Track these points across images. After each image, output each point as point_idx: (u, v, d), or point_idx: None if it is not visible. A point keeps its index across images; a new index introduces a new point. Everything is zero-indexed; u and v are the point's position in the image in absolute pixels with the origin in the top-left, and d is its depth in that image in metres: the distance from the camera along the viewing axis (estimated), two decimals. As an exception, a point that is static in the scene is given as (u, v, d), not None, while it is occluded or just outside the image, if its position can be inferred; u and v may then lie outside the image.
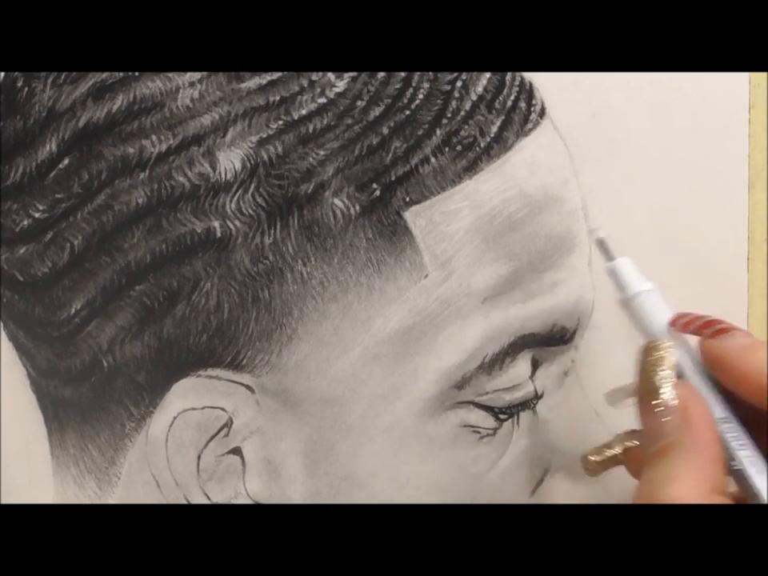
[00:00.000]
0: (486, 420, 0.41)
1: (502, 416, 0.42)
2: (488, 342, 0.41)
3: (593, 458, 0.38)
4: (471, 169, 0.40)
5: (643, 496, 0.33)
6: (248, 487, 0.41)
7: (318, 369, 0.40)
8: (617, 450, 0.38)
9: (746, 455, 0.34)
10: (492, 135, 0.41)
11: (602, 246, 0.39)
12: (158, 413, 0.41)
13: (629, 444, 0.38)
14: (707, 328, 0.36)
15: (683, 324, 0.37)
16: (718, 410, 0.35)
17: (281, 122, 0.39)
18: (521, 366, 0.41)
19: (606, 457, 0.38)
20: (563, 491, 0.43)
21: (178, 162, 0.39)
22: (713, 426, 0.34)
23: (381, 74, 0.40)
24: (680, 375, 0.35)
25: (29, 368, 0.44)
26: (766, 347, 0.35)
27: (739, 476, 0.34)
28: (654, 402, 0.35)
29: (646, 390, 0.35)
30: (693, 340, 0.37)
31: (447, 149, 0.40)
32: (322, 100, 0.39)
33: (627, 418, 0.38)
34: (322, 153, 0.39)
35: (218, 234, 0.39)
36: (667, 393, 0.34)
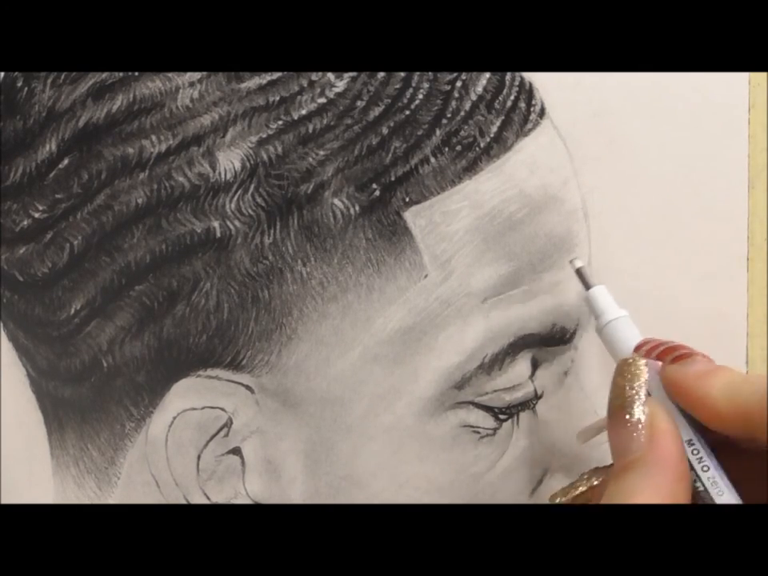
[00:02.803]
0: (485, 420, 0.41)
1: (501, 416, 0.42)
2: (488, 342, 0.41)
3: (559, 500, 0.38)
4: (471, 169, 0.40)
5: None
6: (248, 487, 0.41)
7: (317, 369, 0.40)
8: (582, 489, 0.39)
9: (709, 477, 0.34)
10: (492, 135, 0.41)
11: (580, 275, 0.40)
12: (158, 413, 0.41)
13: (594, 482, 0.38)
14: (668, 354, 0.36)
15: (647, 350, 0.37)
16: (684, 432, 0.35)
17: (280, 122, 0.39)
18: (521, 366, 0.41)
19: (572, 496, 0.38)
20: (563, 491, 0.43)
21: (178, 162, 0.39)
22: (679, 445, 0.34)
23: (380, 74, 0.40)
24: (650, 394, 0.36)
25: (29, 368, 0.44)
26: (725, 373, 0.35)
27: (702, 498, 0.34)
28: (624, 418, 0.35)
29: (616, 406, 0.36)
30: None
31: (447, 149, 0.40)
32: (322, 100, 0.39)
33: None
34: (321, 153, 0.39)
35: (218, 234, 0.39)
36: (637, 409, 0.35)
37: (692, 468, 0.35)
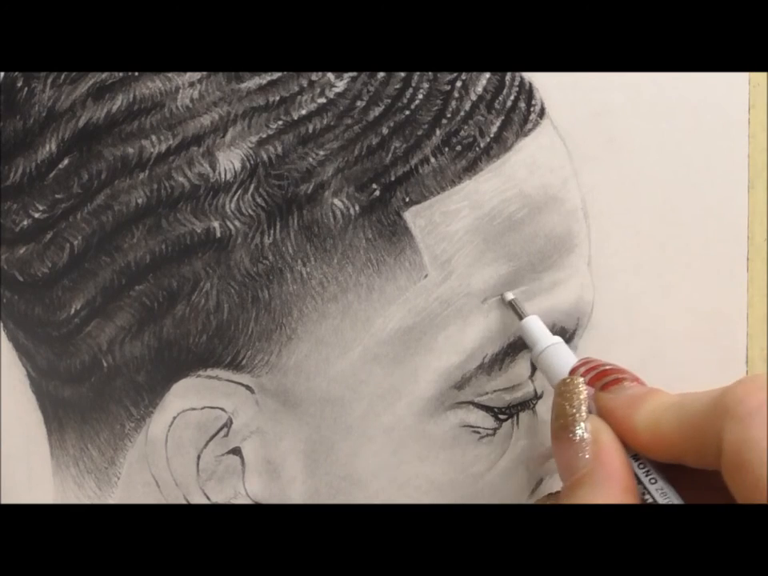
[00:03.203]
0: (485, 420, 0.41)
1: (501, 416, 0.42)
2: (488, 342, 0.41)
3: None
4: (471, 169, 0.40)
5: None
6: (248, 487, 0.41)
7: (317, 369, 0.40)
8: None
9: (657, 488, 0.35)
10: (492, 135, 0.41)
11: (513, 306, 0.41)
12: (158, 413, 0.41)
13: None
14: (599, 380, 0.37)
15: (582, 373, 0.37)
16: (628, 448, 0.35)
17: (280, 122, 0.39)
18: (520, 366, 0.41)
19: None
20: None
21: (178, 162, 0.39)
22: (624, 459, 0.34)
23: (380, 74, 0.40)
24: (591, 411, 0.36)
25: (29, 368, 0.44)
26: (651, 400, 0.35)
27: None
28: (567, 438, 0.35)
29: (559, 426, 0.36)
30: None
31: (447, 149, 0.40)
32: (322, 100, 0.39)
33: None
34: (321, 153, 0.39)
35: (218, 234, 0.39)
36: (580, 428, 0.35)
37: (639, 481, 0.35)
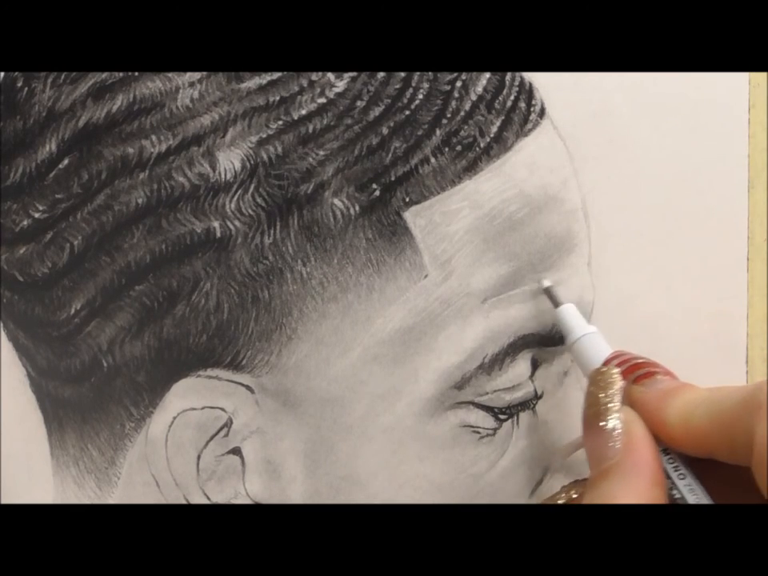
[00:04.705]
0: (485, 420, 0.41)
1: (501, 416, 0.42)
2: (488, 342, 0.41)
3: None
4: (471, 169, 0.40)
5: None
6: (248, 487, 0.41)
7: (317, 369, 0.40)
8: (561, 502, 0.39)
9: (686, 484, 0.35)
10: (492, 135, 0.41)
11: (549, 293, 0.41)
12: (158, 413, 0.41)
13: (573, 495, 0.38)
14: (632, 372, 0.37)
15: (616, 364, 0.38)
16: (659, 441, 0.35)
17: (280, 122, 0.39)
18: (520, 366, 0.41)
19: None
20: (563, 491, 0.43)
21: (178, 162, 0.39)
22: (655, 452, 0.34)
23: (380, 74, 0.40)
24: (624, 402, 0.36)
25: (29, 368, 0.44)
26: (683, 395, 0.35)
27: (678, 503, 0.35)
28: (599, 427, 0.35)
29: (592, 414, 0.36)
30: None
31: (447, 149, 0.40)
32: (322, 100, 0.39)
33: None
34: (321, 153, 0.39)
35: (218, 234, 0.39)
36: (612, 417, 0.35)
37: (668, 476, 0.35)
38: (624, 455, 0.34)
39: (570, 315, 0.41)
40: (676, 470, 0.35)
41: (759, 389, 0.33)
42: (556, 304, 0.41)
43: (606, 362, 0.38)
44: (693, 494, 0.34)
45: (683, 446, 0.35)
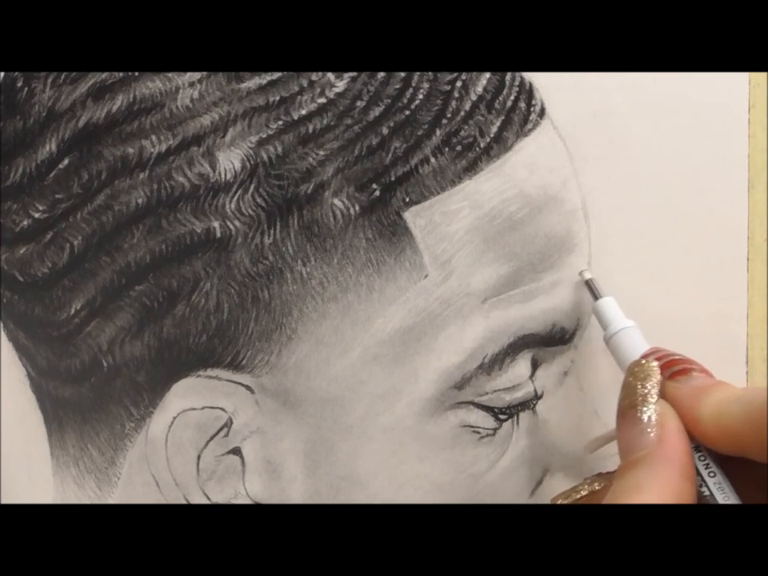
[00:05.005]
0: (485, 420, 0.41)
1: (501, 416, 0.42)
2: (488, 342, 0.41)
3: (560, 502, 0.39)
4: (471, 169, 0.40)
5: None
6: (248, 487, 0.41)
7: (317, 369, 0.40)
8: (584, 493, 0.39)
9: (715, 482, 0.35)
10: (492, 135, 0.41)
11: (589, 286, 0.42)
12: (158, 413, 0.41)
13: (596, 487, 0.38)
14: (668, 368, 0.37)
15: (653, 359, 0.37)
16: (691, 438, 0.35)
17: (280, 122, 0.39)
18: (520, 367, 0.41)
19: (574, 500, 0.38)
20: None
21: (178, 162, 0.39)
22: (687, 446, 0.34)
23: (380, 74, 0.40)
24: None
25: (29, 368, 0.44)
26: (718, 392, 0.35)
27: (707, 502, 0.35)
28: (634, 417, 0.35)
29: (628, 404, 0.36)
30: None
31: (447, 149, 0.40)
32: (322, 100, 0.39)
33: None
34: (321, 153, 0.39)
35: (218, 234, 0.39)
36: (648, 408, 0.35)
37: (698, 473, 0.35)
38: (657, 447, 0.34)
39: (609, 309, 0.41)
40: (707, 468, 0.35)
41: None
42: (595, 297, 0.41)
43: (644, 357, 0.38)
44: (722, 492, 0.34)
45: (715, 444, 0.35)
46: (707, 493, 0.34)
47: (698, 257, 0.46)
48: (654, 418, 0.35)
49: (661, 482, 0.33)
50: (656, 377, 0.36)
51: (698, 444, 0.35)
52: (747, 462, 0.34)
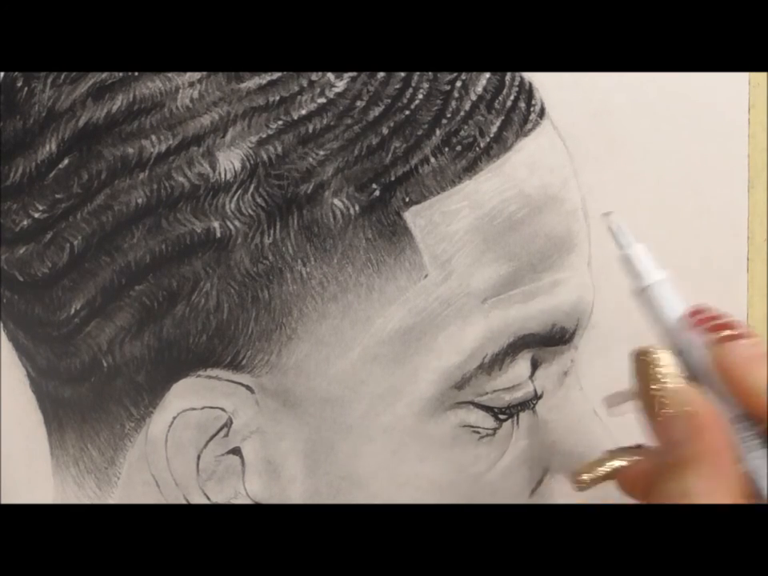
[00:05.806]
0: (485, 420, 0.41)
1: (501, 416, 0.42)
2: (488, 342, 0.41)
3: (585, 477, 0.38)
4: (471, 169, 0.40)
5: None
6: (248, 487, 0.41)
7: (317, 369, 0.40)
8: (608, 468, 0.38)
9: (756, 456, 0.34)
10: (492, 135, 0.41)
11: (615, 232, 0.38)
12: (158, 413, 0.41)
13: (620, 462, 0.38)
14: (719, 331, 0.36)
15: (698, 321, 0.36)
16: (729, 408, 0.35)
17: (280, 122, 0.39)
18: (520, 366, 0.41)
19: (597, 475, 0.38)
20: (563, 491, 0.43)
21: (178, 162, 0.39)
22: (725, 433, 0.34)
23: (380, 74, 0.40)
24: (695, 377, 0.35)
25: (29, 368, 0.44)
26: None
27: (748, 477, 0.34)
28: (662, 411, 0.35)
29: (652, 399, 0.35)
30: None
31: (447, 149, 0.40)
32: (322, 100, 0.39)
33: (626, 419, 0.38)
34: (321, 153, 0.39)
35: (218, 234, 0.39)
36: (676, 401, 0.35)
37: (738, 447, 0.34)
38: (696, 443, 0.33)
39: (641, 258, 0.37)
40: (745, 441, 0.34)
41: None
42: (622, 245, 0.38)
43: (690, 315, 0.36)
44: (762, 468, 0.34)
45: (763, 416, 0.34)
46: (746, 468, 0.34)
47: (697, 257, 0.46)
48: (683, 410, 0.34)
49: (713, 485, 0.33)
50: (673, 367, 0.35)
51: (736, 414, 0.34)
52: None
